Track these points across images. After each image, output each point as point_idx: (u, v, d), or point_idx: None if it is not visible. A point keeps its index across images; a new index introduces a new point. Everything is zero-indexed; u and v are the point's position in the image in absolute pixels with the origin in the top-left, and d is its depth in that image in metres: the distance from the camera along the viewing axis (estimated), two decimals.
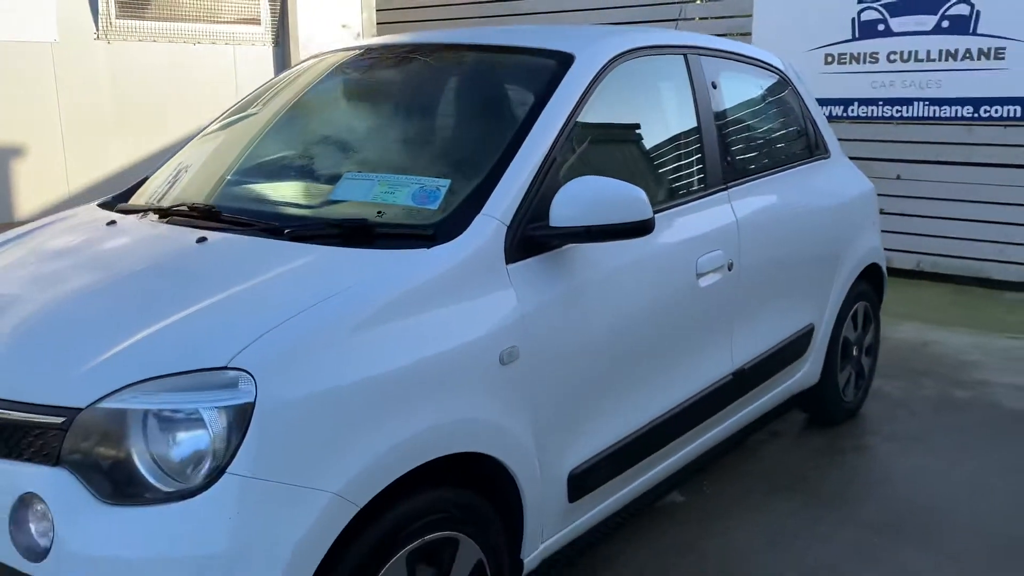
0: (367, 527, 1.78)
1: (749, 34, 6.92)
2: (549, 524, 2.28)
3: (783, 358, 3.33)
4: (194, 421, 1.65)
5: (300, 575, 1.67)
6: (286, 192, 2.49)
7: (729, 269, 2.85)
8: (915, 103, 6.34)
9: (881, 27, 6.37)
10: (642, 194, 2.17)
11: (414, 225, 2.11)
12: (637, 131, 2.70)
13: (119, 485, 1.65)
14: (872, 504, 3.23)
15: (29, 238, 2.51)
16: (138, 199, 2.78)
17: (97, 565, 1.62)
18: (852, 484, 3.42)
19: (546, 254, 2.20)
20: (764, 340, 3.17)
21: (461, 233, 2.06)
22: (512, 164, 2.20)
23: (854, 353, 3.93)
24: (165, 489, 1.64)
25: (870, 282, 3.97)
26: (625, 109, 2.65)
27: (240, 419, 1.63)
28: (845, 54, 6.54)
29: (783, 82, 3.60)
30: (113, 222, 2.45)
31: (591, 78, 2.46)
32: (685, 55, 2.94)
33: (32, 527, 1.69)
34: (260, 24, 6.81)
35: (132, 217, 2.48)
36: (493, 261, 2.08)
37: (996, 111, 6.01)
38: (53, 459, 1.69)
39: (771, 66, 3.56)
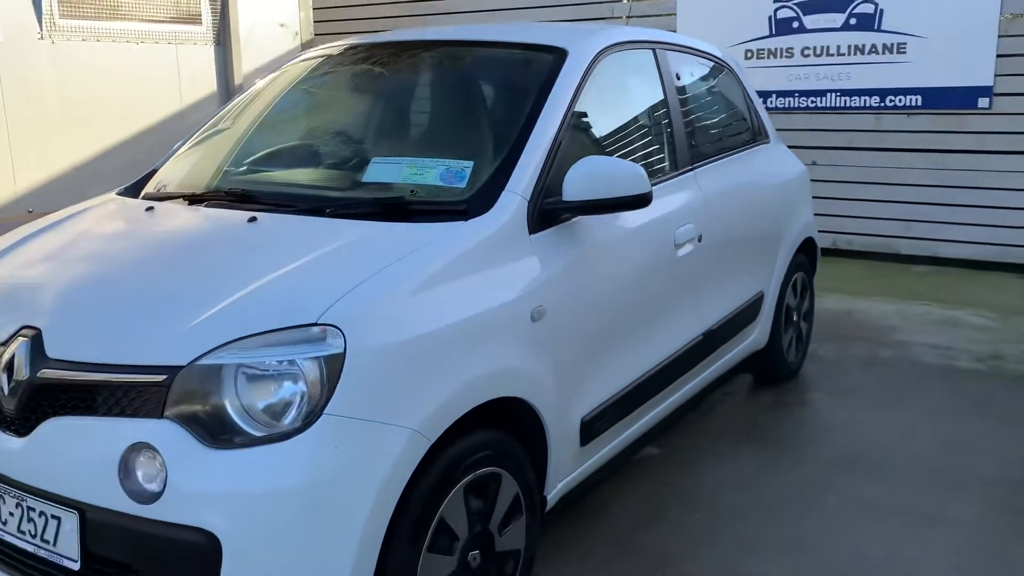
0: (434, 462, 2.04)
1: (673, 32, 7.36)
2: (565, 465, 2.58)
3: (740, 322, 3.71)
4: (289, 372, 1.88)
5: (387, 502, 1.92)
6: (313, 177, 2.72)
7: (699, 241, 3.21)
8: (828, 94, 6.90)
9: (795, 24, 6.90)
10: (642, 171, 2.49)
11: (450, 201, 2.38)
12: (622, 116, 3.02)
13: (220, 433, 1.86)
14: (822, 446, 3.65)
15: (69, 224, 2.66)
16: (152, 188, 2.94)
17: (211, 502, 1.83)
18: (802, 431, 3.84)
19: (558, 226, 2.49)
20: (726, 305, 3.54)
21: (491, 208, 2.34)
22: (527, 146, 2.48)
23: (794, 318, 4.36)
24: (263, 434, 1.86)
25: (806, 254, 4.42)
26: (610, 97, 2.97)
27: (333, 368, 1.88)
28: (763, 50, 7.05)
29: (730, 74, 4.00)
30: (151, 208, 2.63)
31: (584, 70, 2.77)
32: (654, 50, 3.29)
33: (140, 474, 1.89)
34: (201, 23, 6.88)
35: (167, 203, 2.66)
36: (519, 231, 2.36)
37: (900, 100, 6.61)
38: (158, 412, 1.89)
39: (719, 59, 3.94)
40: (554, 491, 2.56)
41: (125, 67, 6.38)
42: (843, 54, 6.74)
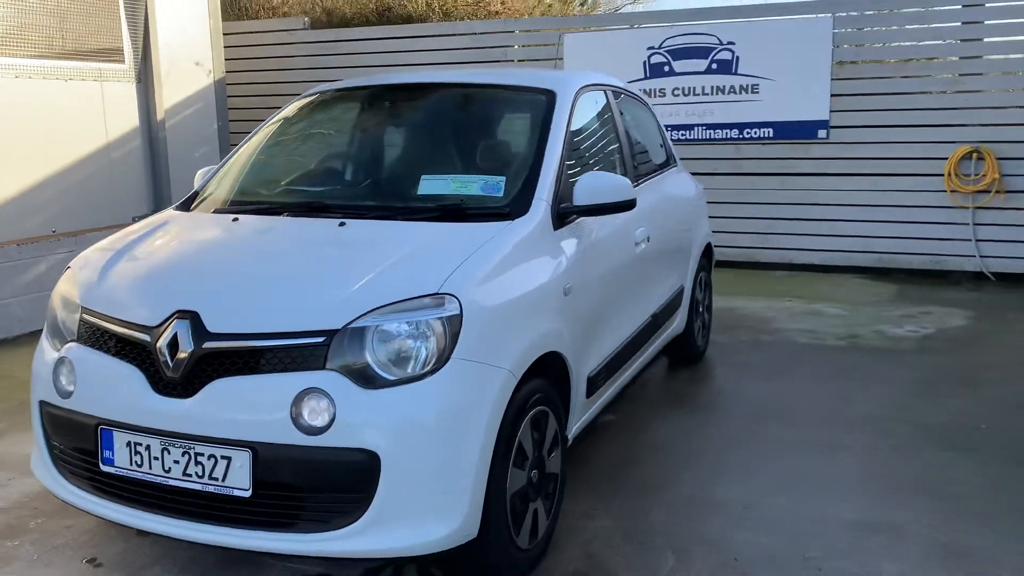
0: (513, 399, 2.69)
1: None
2: (577, 412, 3.30)
3: (670, 309, 4.57)
4: (419, 330, 2.50)
5: (494, 424, 2.57)
6: (371, 191, 3.33)
7: (648, 241, 4.03)
8: (695, 128, 8.03)
9: (666, 68, 8.01)
10: (629, 183, 3.28)
11: (495, 207, 3.07)
12: (593, 141, 3.81)
13: (366, 379, 2.46)
14: (738, 406, 4.54)
15: (163, 233, 3.15)
16: (217, 204, 3.43)
17: (372, 428, 2.42)
18: (719, 397, 4.74)
19: (568, 225, 3.23)
20: (663, 295, 4.39)
21: (527, 211, 3.05)
22: (543, 164, 3.22)
23: (700, 310, 5.29)
24: (396, 378, 2.47)
25: (706, 258, 5.37)
26: (585, 127, 3.75)
27: (454, 325, 2.52)
28: (640, 90, 8.09)
29: (649, 111, 4.90)
30: (236, 219, 3.16)
31: (569, 106, 3.55)
32: (605, 90, 4.11)
33: (308, 413, 2.44)
34: (124, 62, 7.16)
35: (249, 216, 3.19)
36: (547, 228, 3.08)
37: (755, 132, 7.82)
38: (320, 365, 2.46)
39: (642, 99, 4.84)
40: (571, 432, 3.27)
41: (55, 103, 6.59)
42: (707, 94, 7.90)
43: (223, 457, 2.52)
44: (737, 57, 7.75)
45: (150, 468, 2.61)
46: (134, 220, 7.29)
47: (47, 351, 2.94)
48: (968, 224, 7.31)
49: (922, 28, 7.35)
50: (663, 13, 8.04)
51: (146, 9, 7.25)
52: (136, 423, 2.62)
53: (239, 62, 8.86)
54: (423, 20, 9.09)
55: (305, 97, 3.91)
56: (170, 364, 2.58)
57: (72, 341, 2.85)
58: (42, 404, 2.90)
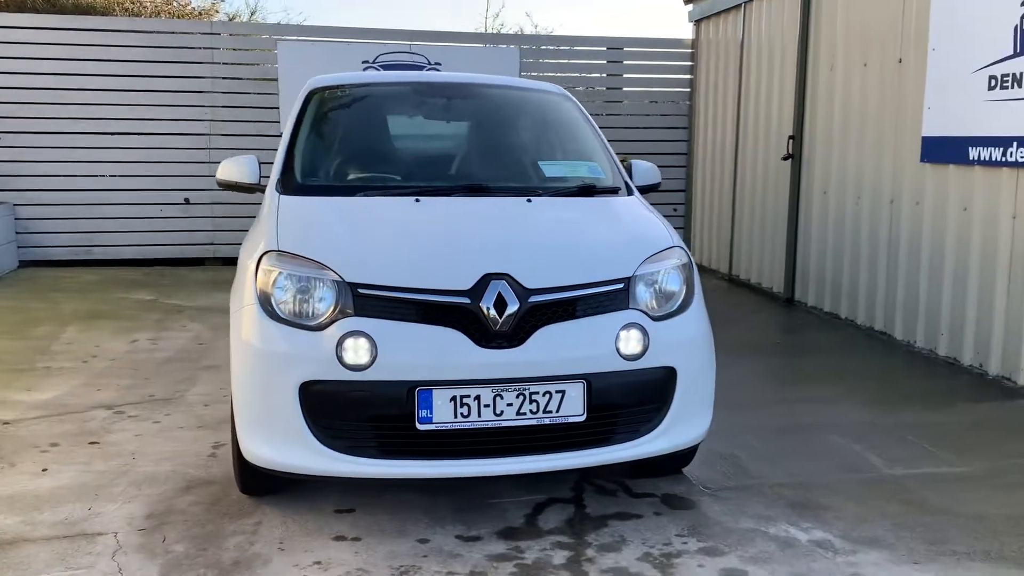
0: None
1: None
2: None
3: None
4: (680, 273, 3.21)
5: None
6: (502, 174, 3.77)
7: None
8: None
9: None
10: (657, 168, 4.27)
11: (609, 186, 3.78)
12: None
13: (654, 312, 3.12)
14: None
15: (354, 213, 3.31)
16: (352, 189, 3.59)
17: (671, 349, 3.07)
18: None
19: None
20: None
21: (630, 189, 3.85)
22: (609, 150, 4.05)
23: None
24: (660, 313, 3.18)
25: None
26: None
27: (688, 269, 3.29)
28: None
29: None
30: (418, 199, 3.37)
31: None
32: None
33: (626, 344, 3.01)
34: None
35: (429, 198, 3.43)
36: (638, 198, 3.93)
37: None
38: (625, 306, 3.05)
39: None
40: None
41: None
42: None
43: (557, 391, 2.92)
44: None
45: (479, 416, 2.87)
46: None
47: (292, 335, 2.88)
48: None
49: (580, 63, 9.32)
50: (378, 31, 8.66)
51: None
52: (463, 377, 2.86)
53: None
54: (105, 13, 8.23)
55: (352, 85, 4.11)
56: (499, 320, 2.89)
57: (338, 319, 2.87)
58: (306, 386, 2.85)
